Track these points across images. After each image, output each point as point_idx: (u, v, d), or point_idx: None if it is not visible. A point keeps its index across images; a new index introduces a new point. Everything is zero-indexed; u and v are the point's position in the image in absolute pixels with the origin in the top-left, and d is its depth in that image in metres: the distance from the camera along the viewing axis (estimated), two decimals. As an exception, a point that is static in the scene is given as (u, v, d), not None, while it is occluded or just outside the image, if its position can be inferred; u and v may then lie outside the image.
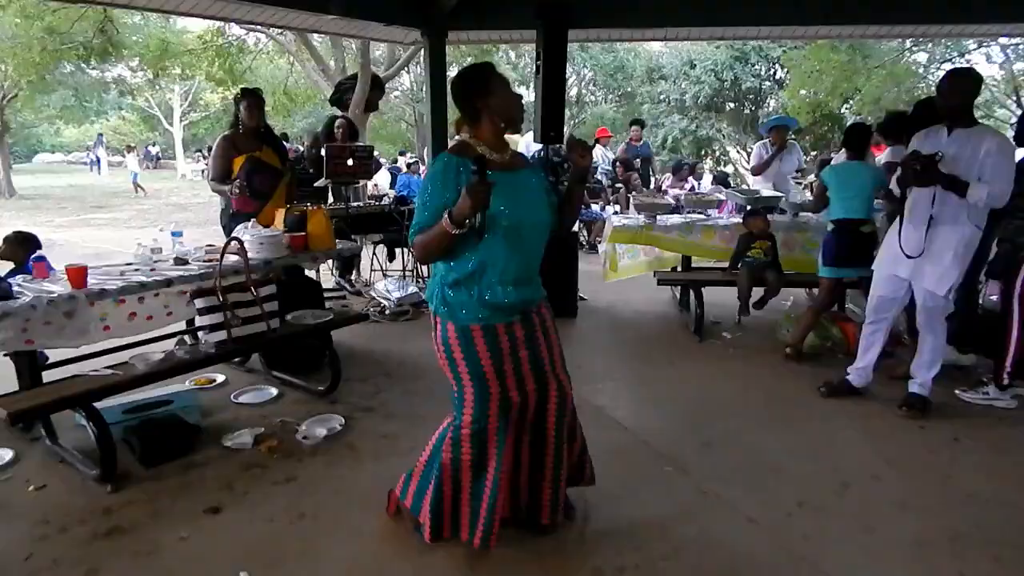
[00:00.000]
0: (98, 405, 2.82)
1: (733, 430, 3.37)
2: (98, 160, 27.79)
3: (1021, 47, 14.43)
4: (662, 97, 21.94)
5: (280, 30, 12.19)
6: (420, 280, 6.25)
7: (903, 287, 3.52)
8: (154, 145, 33.86)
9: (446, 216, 1.95)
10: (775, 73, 19.90)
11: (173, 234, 3.88)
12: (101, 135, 29.91)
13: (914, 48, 14.96)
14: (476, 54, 15.81)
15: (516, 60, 22.99)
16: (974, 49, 14.58)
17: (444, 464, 2.22)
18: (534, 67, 5.40)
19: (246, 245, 3.55)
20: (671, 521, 2.56)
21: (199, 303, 3.17)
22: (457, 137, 2.20)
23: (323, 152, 5.59)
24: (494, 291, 2.09)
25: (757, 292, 4.82)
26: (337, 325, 3.80)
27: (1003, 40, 13.54)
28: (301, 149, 7.47)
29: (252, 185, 4.14)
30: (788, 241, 4.95)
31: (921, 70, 15.29)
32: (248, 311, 3.29)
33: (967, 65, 11.99)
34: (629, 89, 25.16)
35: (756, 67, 19.88)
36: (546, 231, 2.22)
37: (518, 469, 2.30)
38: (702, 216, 5.34)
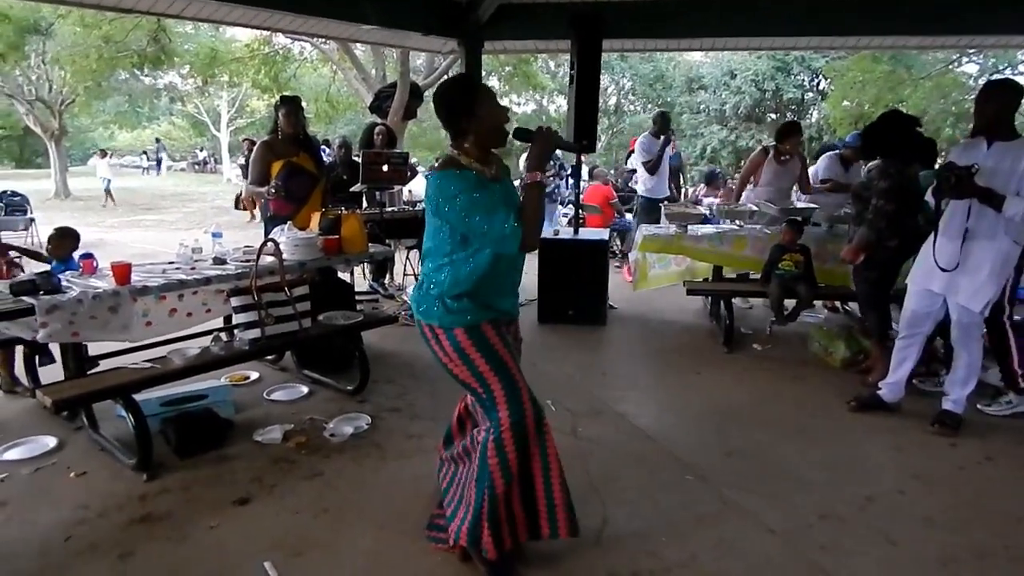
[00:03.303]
0: (137, 397, 2.95)
1: (757, 441, 3.35)
2: (159, 163, 29.12)
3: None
4: (701, 107, 21.81)
5: (323, 40, 12.52)
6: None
7: (938, 301, 3.45)
8: (202, 150, 34.95)
9: (531, 175, 2.04)
10: (818, 84, 19.61)
11: (213, 235, 4.03)
12: (160, 140, 31.11)
13: (963, 59, 14.58)
14: (514, 63, 15.94)
15: (556, 69, 23.10)
16: (1025, 60, 14.16)
17: (492, 470, 2.12)
18: (568, 76, 5.46)
19: (281, 247, 3.67)
20: (689, 528, 2.56)
21: (235, 301, 3.29)
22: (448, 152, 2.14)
23: (358, 157, 5.72)
24: (490, 301, 2.16)
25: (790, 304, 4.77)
26: (367, 327, 3.89)
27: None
28: (332, 154, 7.65)
29: (289, 189, 4.27)
30: (821, 253, 4.88)
31: (971, 82, 14.89)
32: (281, 310, 3.40)
33: (1005, 76, 11.62)
34: (668, 99, 25.06)
35: (798, 77, 19.64)
36: None
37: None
38: (734, 226, 5.30)
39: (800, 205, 5.46)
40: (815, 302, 5.13)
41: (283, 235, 3.88)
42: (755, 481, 2.93)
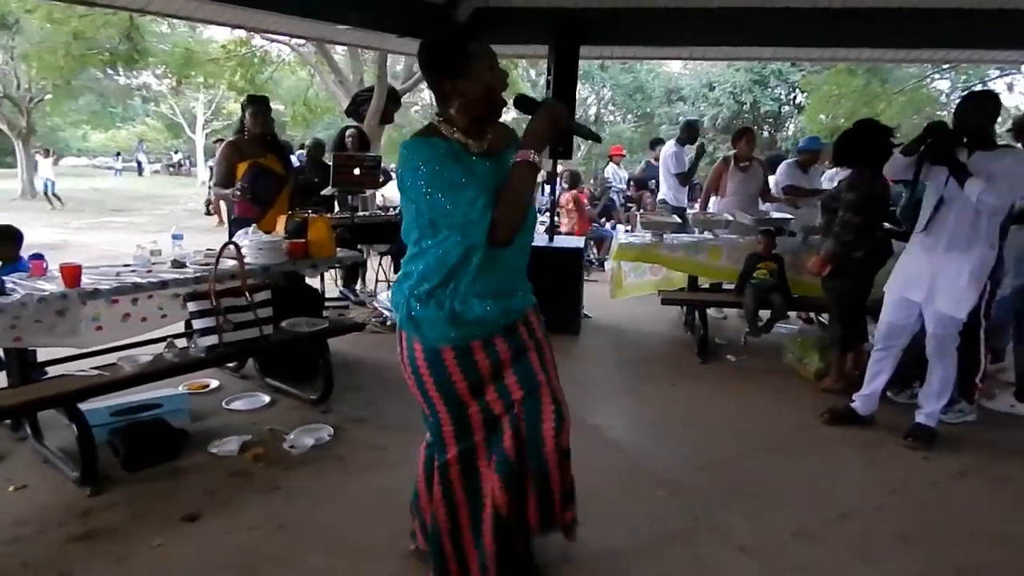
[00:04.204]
0: (86, 406, 2.80)
1: (731, 454, 3.28)
2: (139, 164, 28.69)
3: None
4: (680, 119, 21.96)
5: (301, 42, 12.37)
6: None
7: (915, 313, 3.42)
8: (177, 152, 34.44)
9: (523, 152, 1.65)
10: (794, 97, 19.86)
11: (173, 237, 3.87)
12: (142, 142, 30.60)
13: (936, 75, 14.84)
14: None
15: (536, 77, 23.11)
16: (996, 77, 14.45)
17: (438, 500, 1.96)
18: (545, 83, 5.40)
19: (245, 250, 3.54)
20: (661, 546, 2.48)
21: (192, 306, 3.15)
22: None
23: (329, 160, 5.60)
24: (467, 304, 1.77)
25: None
26: (332, 334, 3.77)
27: (1026, 69, 13.37)
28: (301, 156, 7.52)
29: (255, 191, 4.14)
30: (795, 263, 4.85)
31: (943, 98, 15.17)
32: (241, 316, 3.26)
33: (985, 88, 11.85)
34: (648, 110, 25.24)
35: (775, 90, 19.88)
36: (532, 229, 1.92)
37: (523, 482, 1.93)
38: (709, 236, 5.26)
39: (775, 215, 5.45)
40: (789, 313, 5.11)
41: (247, 238, 3.74)
42: (729, 496, 2.86)
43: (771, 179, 5.98)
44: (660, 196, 6.98)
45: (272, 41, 13.92)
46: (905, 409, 3.68)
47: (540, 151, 1.68)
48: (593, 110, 26.91)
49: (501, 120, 1.87)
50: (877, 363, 3.61)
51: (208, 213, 12.93)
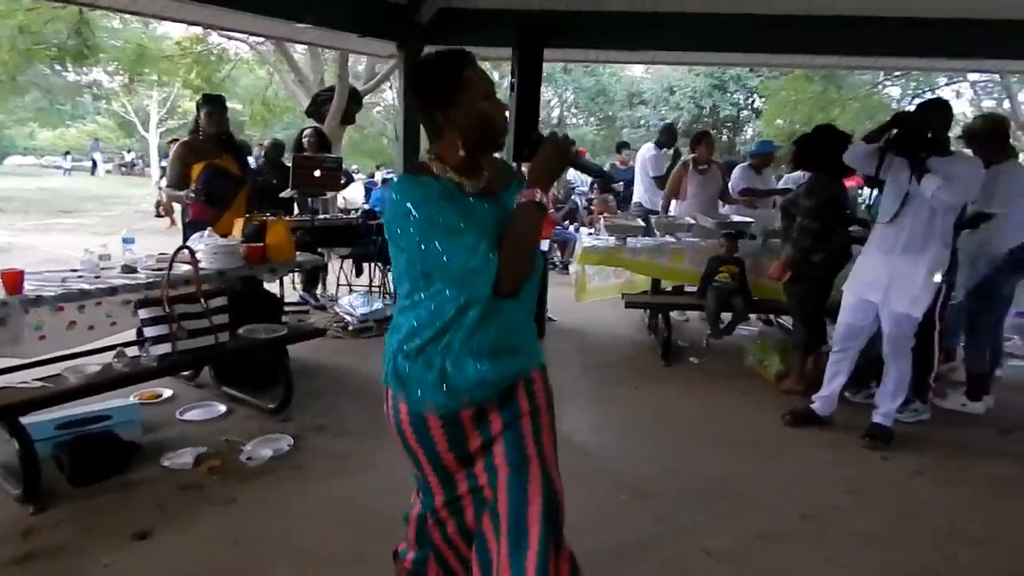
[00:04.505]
0: (29, 419, 2.66)
1: (695, 457, 3.30)
2: (95, 163, 27.75)
3: (988, 85, 14.81)
4: (642, 122, 22.22)
5: (261, 40, 12.12)
6: (387, 296, 6.12)
7: (872, 315, 3.49)
8: (129, 152, 33.42)
9: (528, 191, 1.46)
10: (752, 102, 20.24)
11: (124, 241, 3.73)
12: (98, 141, 29.60)
13: (887, 83, 15.30)
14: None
15: (500, 80, 23.15)
16: (944, 85, 14.95)
17: (436, 544, 1.80)
18: (509, 86, 5.37)
19: (200, 254, 3.42)
20: (627, 552, 2.46)
21: (143, 313, 3.02)
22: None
23: (288, 161, 5.48)
24: (461, 366, 1.53)
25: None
26: (292, 340, 3.67)
27: (972, 76, 13.88)
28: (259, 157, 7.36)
29: (210, 192, 4.01)
30: (756, 267, 4.92)
31: (894, 104, 15.65)
32: (196, 323, 3.14)
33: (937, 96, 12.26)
34: (610, 113, 25.44)
35: (734, 95, 20.23)
36: (536, 278, 1.63)
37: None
38: (672, 239, 5.30)
39: (736, 218, 5.53)
40: (750, 315, 5.18)
41: (202, 242, 3.62)
42: (694, 499, 2.86)
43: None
44: (635, 199, 7.04)
45: (230, 39, 13.62)
46: (862, 409, 3.74)
47: (547, 190, 1.48)
48: (556, 113, 27.02)
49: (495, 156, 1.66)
50: (835, 364, 3.68)
51: (159, 215, 12.51)
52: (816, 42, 5.90)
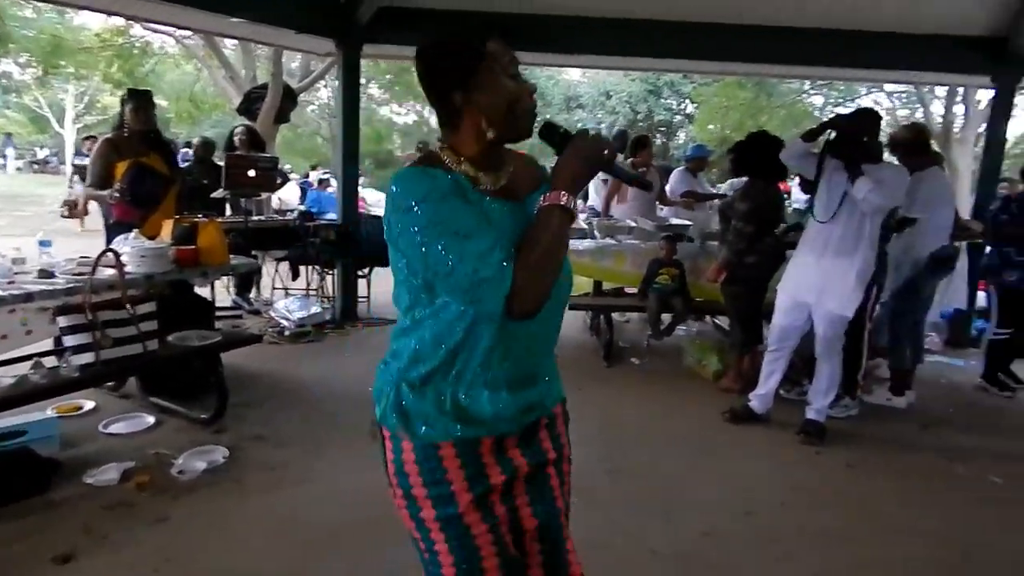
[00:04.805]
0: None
1: (640, 457, 3.34)
2: (4, 160, 26.02)
3: (904, 95, 15.68)
4: (579, 125, 22.48)
5: (188, 33, 11.64)
6: (325, 300, 5.97)
7: (804, 316, 3.61)
8: (43, 148, 31.54)
9: (553, 193, 1.19)
10: (686, 107, 20.79)
11: (40, 244, 3.49)
12: (9, 135, 27.74)
13: (812, 91, 16.00)
14: (396, 70, 15.66)
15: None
16: (864, 95, 15.74)
17: None
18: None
19: (125, 258, 3.24)
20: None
21: (63, 321, 2.83)
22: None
23: (220, 160, 5.27)
24: (475, 397, 1.27)
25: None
26: (226, 347, 3.52)
27: (889, 87, 14.68)
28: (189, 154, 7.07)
29: (136, 192, 3.81)
30: (694, 268, 5.03)
31: (817, 112, 16.38)
32: (122, 331, 2.97)
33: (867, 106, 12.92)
34: (548, 116, 25.60)
35: (668, 101, 20.72)
36: (566, 293, 1.40)
37: None
38: (613, 241, 5.37)
39: (674, 221, 5.65)
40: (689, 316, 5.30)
41: (127, 244, 3.43)
42: (640, 500, 2.89)
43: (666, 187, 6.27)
44: (588, 202, 7.12)
45: (154, 31, 13.03)
46: (797, 406, 3.88)
47: (575, 193, 1.22)
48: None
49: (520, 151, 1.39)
50: (771, 363, 3.79)
51: (66, 215, 11.70)
52: (746, 50, 6.10)
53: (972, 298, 5.56)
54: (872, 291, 3.56)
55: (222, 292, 5.86)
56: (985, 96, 9.57)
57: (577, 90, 24.36)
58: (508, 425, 1.30)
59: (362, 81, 6.54)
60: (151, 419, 3.43)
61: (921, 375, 4.50)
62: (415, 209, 1.17)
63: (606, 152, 1.23)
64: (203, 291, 4.81)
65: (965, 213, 5.50)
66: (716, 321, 5.90)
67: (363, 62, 6.13)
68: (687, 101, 20.23)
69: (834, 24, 5.66)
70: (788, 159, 3.69)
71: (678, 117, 21.85)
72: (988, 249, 4.75)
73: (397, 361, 1.31)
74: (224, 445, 3.16)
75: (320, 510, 2.66)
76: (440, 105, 1.29)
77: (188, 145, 9.87)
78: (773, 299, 3.84)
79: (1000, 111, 6.09)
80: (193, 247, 3.62)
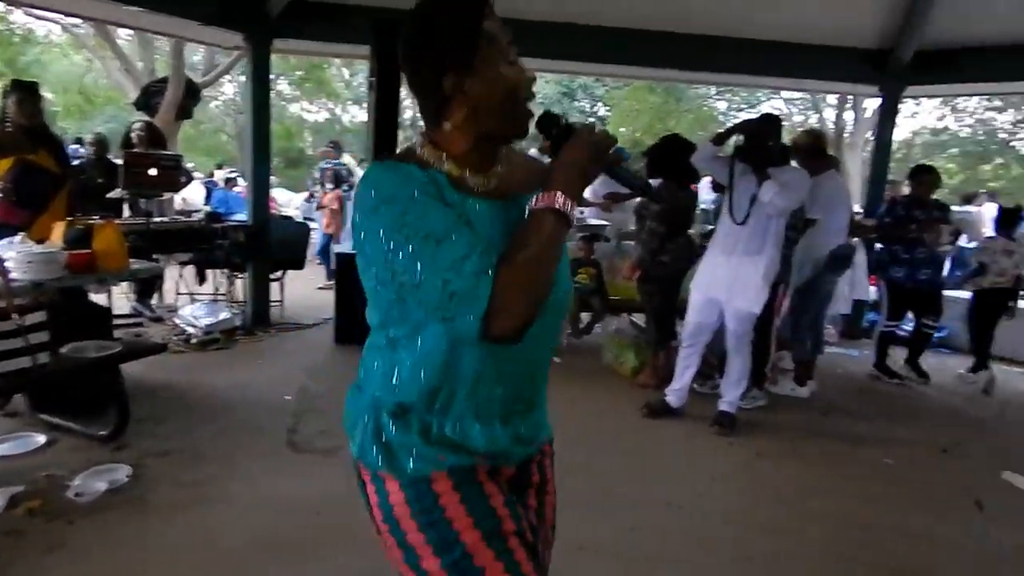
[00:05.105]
0: None
1: (564, 456, 3.30)
2: None
3: (800, 101, 16.66)
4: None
5: (77, 21, 10.86)
6: (235, 305, 5.71)
7: (717, 311, 3.76)
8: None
9: (547, 195, 1.02)
10: (598, 110, 21.26)
11: (-92, 249, 3.15)
12: None
13: (716, 97, 16.74)
14: (307, 66, 15.20)
15: (350, 78, 22.49)
16: (764, 100, 16.62)
17: None
18: (367, 84, 5.20)
19: (11, 263, 2.99)
20: (503, 558, 2.45)
21: (-63, 334, 2.57)
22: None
23: (117, 158, 4.95)
24: (464, 429, 1.12)
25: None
26: (127, 358, 3.29)
27: (786, 94, 15.56)
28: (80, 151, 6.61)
29: (21, 192, 3.52)
30: (610, 267, 5.15)
31: (721, 116, 17.16)
32: (7, 343, 2.73)
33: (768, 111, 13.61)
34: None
35: (582, 103, 21.12)
36: (562, 311, 1.25)
37: None
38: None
39: (592, 221, 5.76)
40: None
41: (12, 248, 3.15)
42: (566, 498, 2.88)
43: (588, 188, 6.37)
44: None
45: (38, 18, 12.09)
46: (710, 399, 4.04)
47: (575, 196, 1.04)
48: (409, 113, 26.79)
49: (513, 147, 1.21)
50: (685, 359, 3.93)
51: None
52: (655, 56, 6.30)
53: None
54: (779, 289, 3.76)
55: (121, 299, 5.51)
56: (872, 104, 10.31)
57: (492, 91, 24.50)
58: (503, 459, 1.17)
59: (271, 76, 6.30)
60: (42, 438, 3.16)
61: (820, 365, 4.77)
62: (381, 209, 1.02)
63: (612, 151, 1.08)
64: (99, 298, 4.50)
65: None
66: (633, 319, 6.06)
67: (273, 57, 5.91)
68: (600, 104, 20.71)
69: (738, 34, 5.94)
70: (698, 162, 3.83)
71: (591, 119, 22.35)
72: (878, 247, 5.12)
73: (372, 386, 1.15)
74: (127, 463, 2.95)
75: (239, 528, 2.53)
76: (424, 91, 1.12)
77: (78, 141, 9.20)
78: (687, 297, 3.98)
79: (886, 118, 6.58)
80: (88, 251, 3.38)
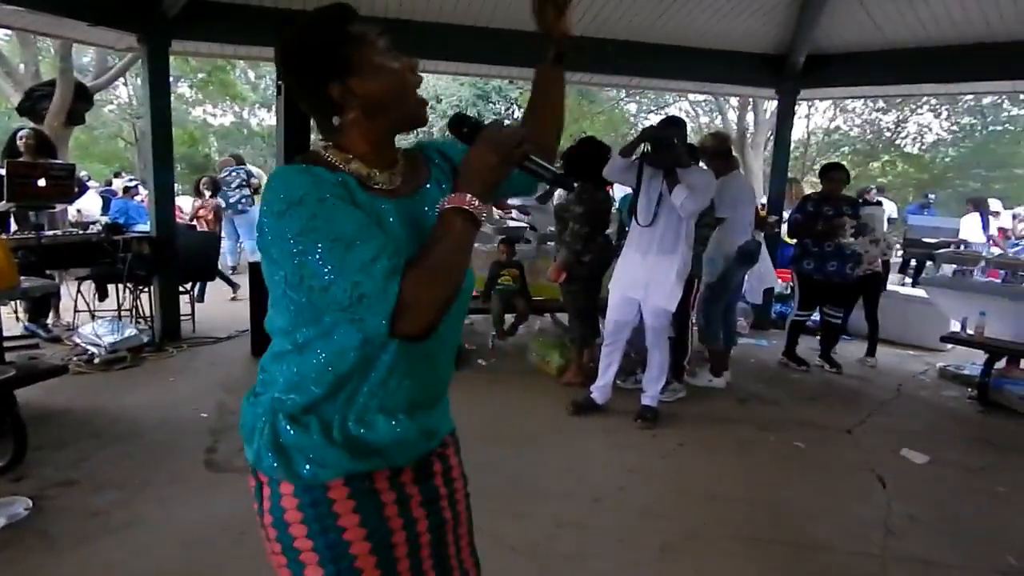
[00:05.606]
0: None
1: (491, 456, 3.37)
2: None
3: (705, 103, 17.37)
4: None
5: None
6: (141, 320, 5.40)
7: (634, 310, 3.88)
8: None
9: (456, 196, 1.04)
10: (512, 112, 21.44)
11: None
12: None
13: (626, 99, 17.21)
14: (209, 68, 14.56)
15: (257, 80, 21.71)
16: (672, 103, 17.23)
17: None
18: (275, 87, 5.05)
19: None
20: (437, 565, 2.44)
21: None
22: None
23: (1, 170, 4.59)
24: (368, 422, 1.11)
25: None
26: (23, 382, 3.07)
27: (691, 96, 16.19)
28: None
29: None
30: (532, 269, 5.21)
31: (632, 118, 17.67)
32: None
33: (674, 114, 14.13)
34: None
35: (497, 105, 21.24)
36: (466, 305, 1.27)
37: None
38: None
39: (511, 223, 5.81)
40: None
41: None
42: (494, 499, 2.91)
43: None
44: None
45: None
46: (633, 394, 4.15)
47: (485, 197, 1.05)
48: (321, 117, 26.15)
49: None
50: (608, 356, 4.04)
51: None
52: (568, 59, 6.41)
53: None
54: (695, 284, 3.91)
55: (10, 320, 5.11)
56: (771, 106, 10.89)
57: (406, 94, 24.25)
58: (405, 454, 1.16)
59: (171, 79, 6.00)
60: (-75, 475, 2.90)
61: (734, 356, 5.00)
62: (289, 212, 1.00)
63: (520, 147, 1.08)
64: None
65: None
66: (556, 318, 6.15)
67: (172, 59, 5.63)
68: (515, 105, 20.89)
69: (648, 39, 6.15)
70: (611, 175, 3.97)
71: (507, 122, 22.54)
72: (793, 241, 5.43)
73: (271, 390, 1.13)
74: (26, 495, 2.74)
75: (152, 556, 2.41)
76: (315, 102, 1.13)
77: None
78: (607, 296, 4.08)
79: (783, 119, 6.98)
80: (-28, 269, 3.12)
